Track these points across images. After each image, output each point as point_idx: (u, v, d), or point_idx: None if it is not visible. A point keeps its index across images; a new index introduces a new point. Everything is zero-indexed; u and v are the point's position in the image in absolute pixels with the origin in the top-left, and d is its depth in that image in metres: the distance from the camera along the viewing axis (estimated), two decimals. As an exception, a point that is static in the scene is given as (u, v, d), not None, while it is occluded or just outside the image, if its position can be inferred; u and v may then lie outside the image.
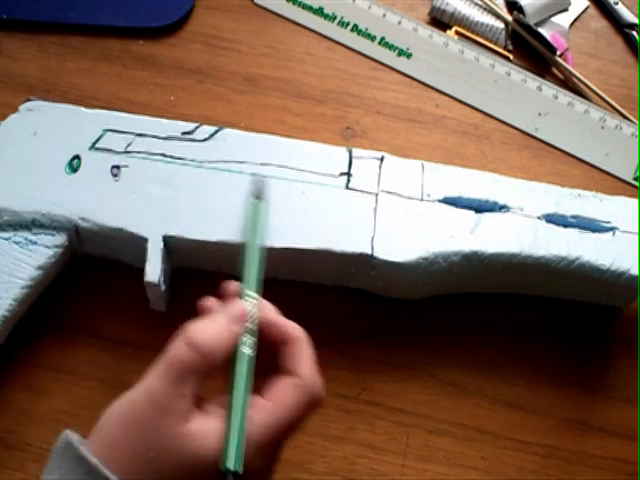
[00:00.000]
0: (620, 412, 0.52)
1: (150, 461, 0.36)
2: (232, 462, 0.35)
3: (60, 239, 0.48)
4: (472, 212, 0.50)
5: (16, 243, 0.47)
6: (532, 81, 0.61)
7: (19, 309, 0.47)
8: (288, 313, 0.40)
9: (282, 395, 0.38)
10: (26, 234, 0.47)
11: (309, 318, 0.40)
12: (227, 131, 0.51)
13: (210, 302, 0.40)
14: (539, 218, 0.51)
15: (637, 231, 0.51)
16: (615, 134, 0.61)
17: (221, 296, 0.41)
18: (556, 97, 0.61)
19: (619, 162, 0.60)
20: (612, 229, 0.51)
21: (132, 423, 0.36)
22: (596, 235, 0.50)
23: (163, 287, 0.47)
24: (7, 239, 0.47)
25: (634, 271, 0.50)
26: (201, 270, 0.51)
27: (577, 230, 0.50)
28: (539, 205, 0.51)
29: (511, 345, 0.53)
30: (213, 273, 0.50)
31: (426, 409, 0.51)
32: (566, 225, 0.51)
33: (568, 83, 0.63)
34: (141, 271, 0.47)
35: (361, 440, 0.50)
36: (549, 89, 0.61)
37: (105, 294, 0.51)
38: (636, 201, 0.52)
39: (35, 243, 0.47)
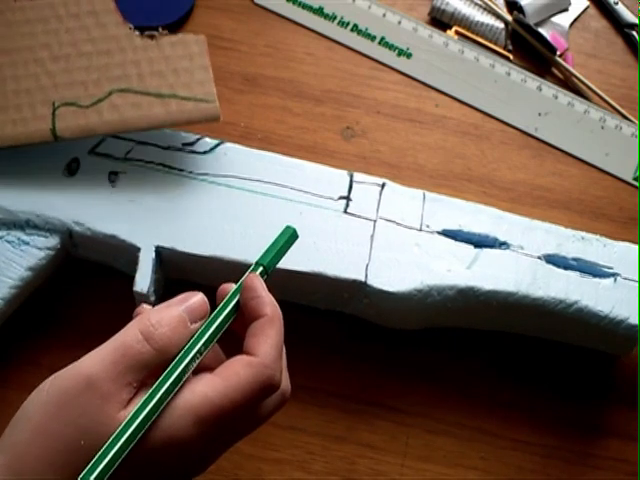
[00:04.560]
0: (620, 412, 0.52)
1: (80, 449, 0.32)
2: (93, 475, 0.31)
3: (53, 241, 0.48)
4: (471, 247, 0.50)
5: (9, 242, 0.47)
6: (532, 81, 0.62)
7: (6, 309, 0.47)
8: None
9: (231, 372, 0.35)
10: (19, 234, 0.47)
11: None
12: (228, 145, 0.51)
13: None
14: (539, 258, 0.50)
15: (637, 279, 0.50)
16: (615, 134, 0.61)
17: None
18: (556, 97, 0.61)
19: (619, 162, 0.60)
20: (614, 275, 0.50)
21: (63, 406, 0.33)
22: (597, 280, 0.49)
23: (153, 298, 0.47)
24: (0, 238, 0.47)
25: (633, 320, 0.49)
26: (197, 283, 0.51)
27: (577, 273, 0.50)
28: (540, 245, 0.50)
29: (511, 348, 0.53)
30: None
31: (426, 409, 0.51)
32: (566, 267, 0.50)
33: (568, 83, 0.63)
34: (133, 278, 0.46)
35: (361, 440, 0.50)
36: (549, 89, 0.61)
37: (105, 294, 0.51)
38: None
39: (27, 244, 0.47)
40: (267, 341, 0.36)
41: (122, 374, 0.34)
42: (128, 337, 0.35)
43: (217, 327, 0.37)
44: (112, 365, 0.34)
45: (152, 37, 0.49)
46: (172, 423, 0.34)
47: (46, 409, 0.33)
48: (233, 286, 0.38)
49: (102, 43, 0.49)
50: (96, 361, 0.34)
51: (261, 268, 0.39)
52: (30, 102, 0.48)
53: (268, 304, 0.38)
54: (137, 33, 0.49)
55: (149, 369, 0.34)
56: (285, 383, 0.38)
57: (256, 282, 0.38)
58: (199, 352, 0.35)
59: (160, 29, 0.49)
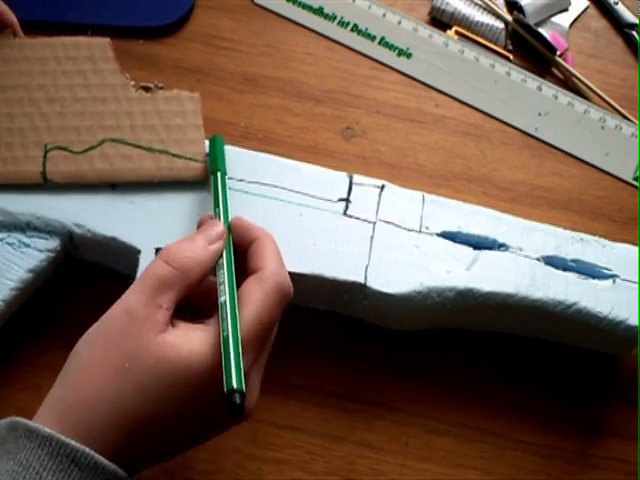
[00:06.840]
0: (620, 412, 0.52)
1: (125, 371, 0.36)
2: (236, 382, 0.36)
3: (53, 243, 0.48)
4: (470, 248, 0.50)
5: (9, 244, 0.47)
6: (532, 81, 0.62)
7: (7, 310, 0.47)
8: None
9: (247, 292, 0.39)
10: (20, 236, 0.47)
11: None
12: (227, 147, 0.50)
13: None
14: (538, 260, 0.50)
15: (637, 280, 0.50)
16: (615, 134, 0.61)
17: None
18: (556, 97, 0.61)
19: (619, 162, 0.60)
20: (613, 276, 0.50)
21: (108, 338, 0.37)
22: (596, 281, 0.49)
23: None
24: (1, 240, 0.47)
25: (632, 321, 0.49)
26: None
27: (576, 275, 0.50)
28: (539, 246, 0.50)
29: (511, 348, 0.53)
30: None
31: (426, 409, 0.51)
32: (565, 269, 0.50)
33: (568, 83, 0.63)
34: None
35: (361, 440, 0.50)
36: (549, 89, 0.61)
37: (105, 295, 0.51)
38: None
39: (28, 246, 0.47)
40: (267, 255, 0.40)
41: (151, 298, 0.37)
42: (151, 266, 0.39)
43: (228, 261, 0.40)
44: (141, 293, 0.38)
45: (147, 89, 0.50)
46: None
47: (93, 344, 0.38)
48: (209, 215, 0.44)
49: (98, 90, 0.49)
50: (128, 294, 0.38)
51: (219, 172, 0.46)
52: (22, 142, 0.48)
53: (256, 229, 0.42)
54: (132, 83, 0.50)
55: (175, 289, 0.38)
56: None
57: (240, 220, 0.43)
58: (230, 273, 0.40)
59: (155, 82, 0.50)
